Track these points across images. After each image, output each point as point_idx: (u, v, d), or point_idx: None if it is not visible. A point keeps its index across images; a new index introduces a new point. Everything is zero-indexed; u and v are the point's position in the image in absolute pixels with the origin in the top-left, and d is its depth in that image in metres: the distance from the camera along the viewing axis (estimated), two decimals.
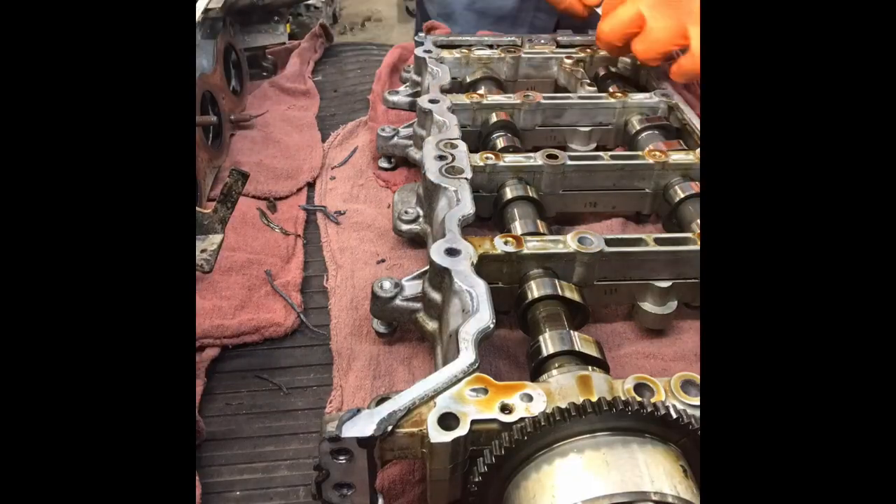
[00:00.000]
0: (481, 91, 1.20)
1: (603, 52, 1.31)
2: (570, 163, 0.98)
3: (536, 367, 0.72)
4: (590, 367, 0.68)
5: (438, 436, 0.59)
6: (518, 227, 0.92)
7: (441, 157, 0.95)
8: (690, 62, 1.08)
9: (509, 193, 0.96)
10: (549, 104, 1.14)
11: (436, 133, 1.03)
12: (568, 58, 1.28)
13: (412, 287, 0.84)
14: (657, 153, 1.00)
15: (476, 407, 0.61)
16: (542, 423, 0.57)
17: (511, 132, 1.12)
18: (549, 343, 0.72)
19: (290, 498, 0.74)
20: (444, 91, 1.14)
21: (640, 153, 1.01)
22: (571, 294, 0.80)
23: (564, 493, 0.55)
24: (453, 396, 0.62)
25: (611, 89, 1.20)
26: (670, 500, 0.54)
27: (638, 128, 1.12)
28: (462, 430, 0.59)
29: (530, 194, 0.96)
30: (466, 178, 0.91)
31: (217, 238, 0.79)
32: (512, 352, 0.86)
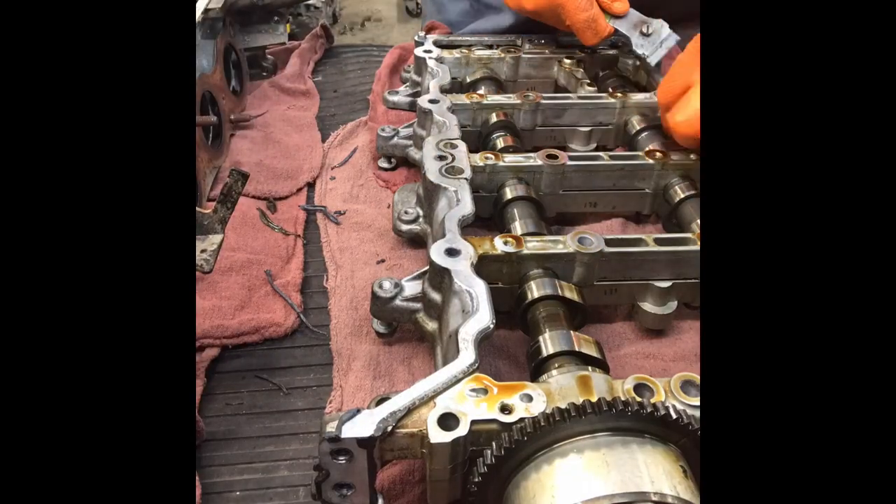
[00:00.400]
0: (481, 91, 1.20)
1: (603, 52, 1.31)
2: (570, 163, 0.98)
3: (536, 368, 0.72)
4: (590, 368, 0.68)
5: (438, 436, 0.59)
6: (518, 228, 0.92)
7: (441, 157, 0.95)
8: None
9: (509, 193, 0.96)
10: (549, 104, 1.14)
11: (436, 133, 1.03)
12: (568, 58, 1.28)
13: (412, 287, 0.84)
14: (657, 153, 1.00)
15: (476, 407, 0.61)
16: (542, 424, 0.57)
17: (511, 132, 1.12)
18: (548, 343, 0.72)
19: (290, 498, 0.74)
20: (444, 91, 1.14)
21: (640, 153, 1.01)
22: (571, 294, 0.80)
23: (564, 493, 0.55)
24: (453, 397, 0.62)
25: (611, 89, 1.20)
26: (670, 500, 0.54)
27: (638, 128, 1.12)
28: (462, 430, 0.59)
29: (530, 194, 0.96)
30: (466, 178, 0.91)
31: (217, 238, 0.79)
32: (512, 352, 0.86)
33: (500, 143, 1.10)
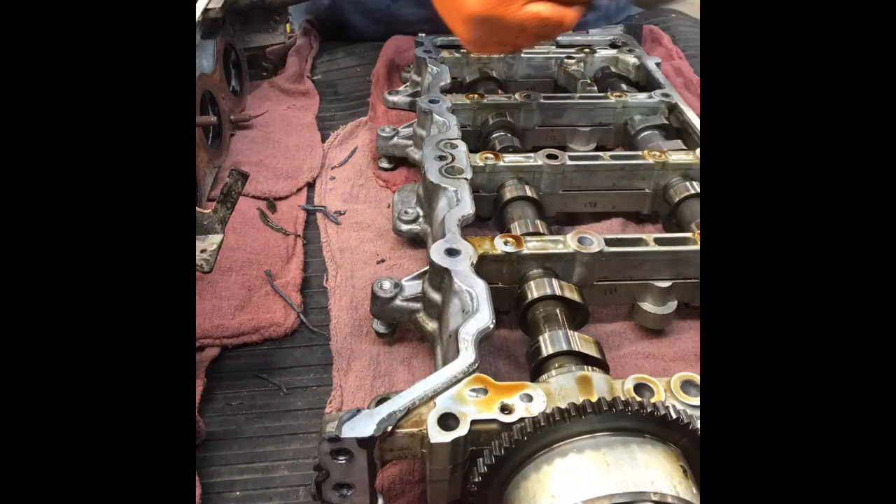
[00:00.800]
0: (481, 91, 1.20)
1: (603, 52, 1.31)
2: (570, 163, 0.98)
3: (536, 368, 0.72)
4: (589, 368, 0.68)
5: (438, 436, 0.59)
6: (518, 227, 0.92)
7: (441, 157, 0.95)
8: None
9: (509, 193, 0.96)
10: (549, 104, 1.14)
11: (436, 133, 1.03)
12: (568, 58, 1.28)
13: (412, 287, 0.84)
14: (657, 153, 1.00)
15: (476, 407, 0.61)
16: (542, 424, 0.57)
17: (511, 132, 1.12)
18: (548, 343, 0.72)
19: (289, 498, 0.74)
20: (444, 91, 1.14)
21: (640, 153, 1.01)
22: (571, 294, 0.80)
23: (564, 493, 0.55)
24: (453, 397, 0.62)
25: (611, 89, 1.20)
26: (670, 500, 0.54)
27: (638, 128, 1.12)
28: (462, 430, 0.59)
29: (530, 194, 0.96)
30: (466, 178, 0.91)
31: (217, 238, 0.79)
32: (512, 352, 0.86)
33: (499, 143, 1.10)
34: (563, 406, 0.58)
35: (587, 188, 1.01)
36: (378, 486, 0.65)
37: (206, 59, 1.18)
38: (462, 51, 1.29)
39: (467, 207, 0.86)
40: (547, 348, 0.72)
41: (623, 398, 0.57)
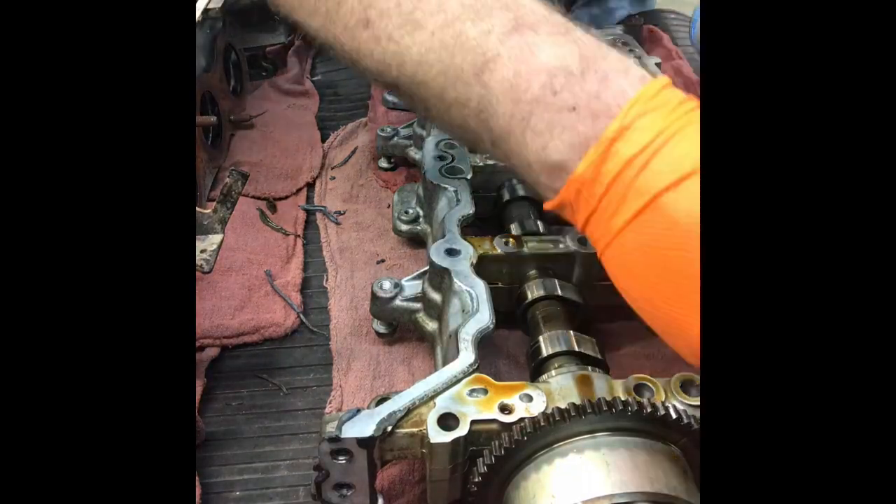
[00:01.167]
0: None
1: None
2: None
3: (536, 368, 0.72)
4: (589, 368, 0.68)
5: (438, 436, 0.59)
6: (517, 228, 0.92)
7: (441, 157, 0.95)
8: None
9: (509, 193, 0.96)
10: None
11: (436, 133, 1.03)
12: None
13: (412, 287, 0.84)
14: None
15: (476, 407, 0.61)
16: (542, 424, 0.57)
17: None
18: (548, 343, 0.72)
19: (289, 498, 0.74)
20: None
21: None
22: (571, 294, 0.80)
23: (564, 493, 0.55)
24: (453, 397, 0.62)
25: None
26: (670, 500, 0.54)
27: None
28: (462, 430, 0.59)
29: (530, 194, 0.96)
30: (466, 178, 0.91)
31: (217, 238, 0.79)
32: (512, 352, 0.86)
33: None
34: (563, 406, 0.58)
35: None
36: (378, 486, 0.65)
37: (206, 59, 1.18)
38: None
39: (467, 207, 0.86)
40: (547, 348, 0.72)
41: (623, 398, 0.57)
